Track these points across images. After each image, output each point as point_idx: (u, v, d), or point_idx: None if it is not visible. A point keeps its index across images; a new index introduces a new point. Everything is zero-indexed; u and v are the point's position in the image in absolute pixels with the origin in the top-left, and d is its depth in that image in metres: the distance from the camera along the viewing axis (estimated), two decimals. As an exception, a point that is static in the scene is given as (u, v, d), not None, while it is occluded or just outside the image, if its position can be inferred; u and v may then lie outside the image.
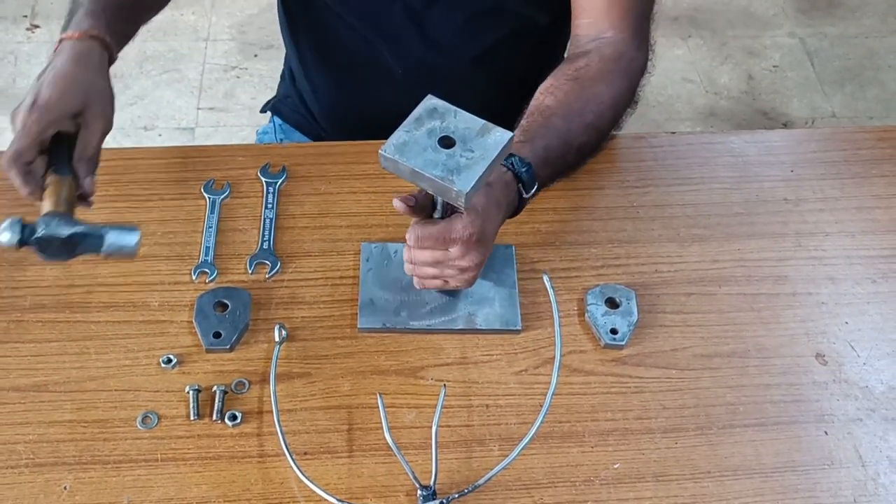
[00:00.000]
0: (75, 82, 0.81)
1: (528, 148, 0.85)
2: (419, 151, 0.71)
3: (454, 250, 0.78)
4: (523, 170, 0.84)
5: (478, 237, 0.78)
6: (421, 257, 0.80)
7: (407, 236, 0.78)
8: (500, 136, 0.73)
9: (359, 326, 0.85)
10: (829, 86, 2.38)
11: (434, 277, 0.83)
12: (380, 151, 0.72)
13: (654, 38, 1.02)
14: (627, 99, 0.96)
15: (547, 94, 0.92)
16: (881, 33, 2.55)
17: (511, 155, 0.83)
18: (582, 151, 0.92)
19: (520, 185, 0.83)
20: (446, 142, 0.72)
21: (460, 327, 0.85)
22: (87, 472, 0.74)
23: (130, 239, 0.74)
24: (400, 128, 0.73)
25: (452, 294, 0.87)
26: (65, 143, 0.80)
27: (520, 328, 0.85)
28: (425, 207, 0.79)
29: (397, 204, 0.77)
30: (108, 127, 0.83)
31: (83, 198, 0.81)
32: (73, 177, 0.79)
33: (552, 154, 0.87)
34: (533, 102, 0.92)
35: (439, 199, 0.77)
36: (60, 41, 0.84)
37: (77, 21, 0.85)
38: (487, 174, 0.72)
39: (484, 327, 0.85)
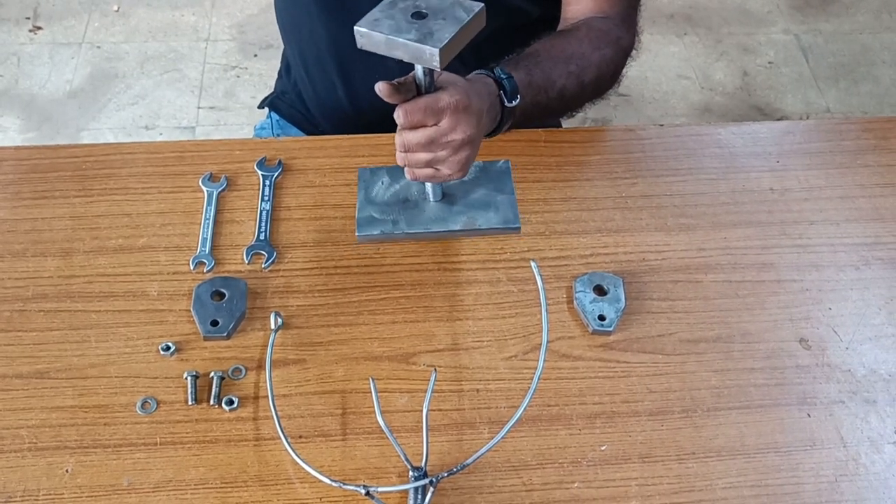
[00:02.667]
0: None
1: (511, 67, 0.89)
2: (393, 24, 0.75)
3: (444, 123, 0.80)
4: (504, 76, 0.87)
5: (465, 106, 0.79)
6: (413, 138, 0.81)
7: (395, 116, 0.80)
8: (471, 5, 0.76)
9: (357, 235, 0.90)
10: (823, 82, 2.40)
11: (427, 164, 0.83)
12: (355, 27, 0.76)
13: (641, 26, 1.04)
14: (611, 67, 0.98)
15: (534, 44, 0.96)
16: (875, 29, 2.57)
17: (493, 66, 0.87)
18: (563, 95, 0.95)
19: (501, 92, 0.86)
20: (419, 15, 0.76)
21: (459, 229, 0.89)
22: (89, 455, 0.76)
23: None
24: (374, 10, 0.77)
25: (450, 202, 0.91)
26: None
27: (519, 227, 0.90)
28: (409, 90, 0.80)
29: (381, 86, 0.78)
30: None
31: None
32: None
33: (535, 80, 0.91)
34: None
35: (422, 79, 0.79)
36: None
37: None
38: (462, 38, 0.75)
39: (484, 227, 0.89)
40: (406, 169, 0.86)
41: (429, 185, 0.93)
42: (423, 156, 0.83)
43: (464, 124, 0.80)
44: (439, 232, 0.91)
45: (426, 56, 0.73)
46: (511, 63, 0.91)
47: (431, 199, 0.94)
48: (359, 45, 0.77)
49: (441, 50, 0.73)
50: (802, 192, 1.00)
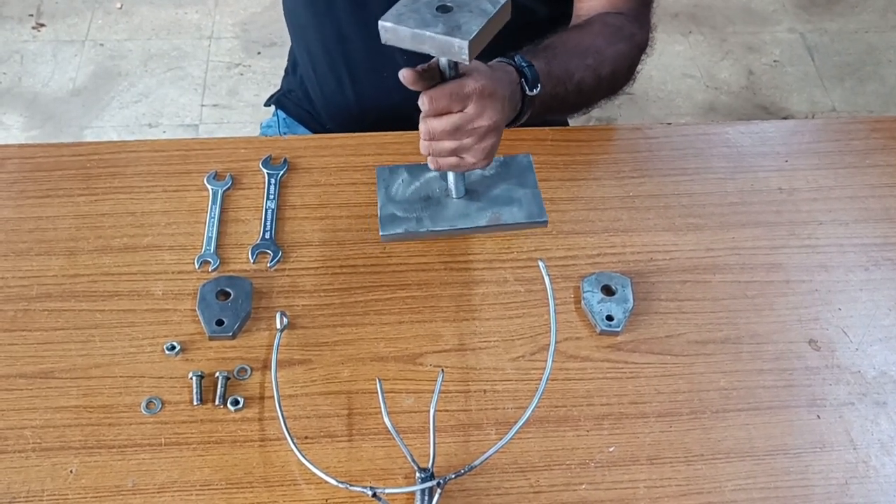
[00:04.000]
0: None
1: (531, 57, 0.89)
2: (418, 18, 0.74)
3: (470, 108, 0.79)
4: (525, 65, 0.86)
5: (490, 91, 0.79)
6: (438, 125, 0.80)
7: (420, 103, 0.79)
8: None
9: (381, 234, 0.89)
10: (828, 81, 2.39)
11: (452, 153, 0.82)
12: (380, 22, 0.75)
13: (654, 24, 1.03)
14: (626, 62, 0.98)
15: (549, 38, 0.96)
16: (881, 28, 2.56)
17: (513, 55, 0.86)
18: (581, 88, 0.94)
19: (522, 80, 0.85)
20: (444, 8, 0.75)
21: (484, 224, 0.89)
22: (93, 456, 0.76)
23: None
24: (397, 4, 0.76)
25: (473, 198, 0.91)
26: None
27: (546, 220, 0.90)
28: (434, 77, 0.79)
29: (405, 72, 0.77)
30: None
31: None
32: None
33: (554, 71, 0.90)
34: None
35: (446, 70, 0.79)
36: None
37: None
38: (488, 31, 0.74)
39: (510, 222, 0.89)
40: (430, 159, 0.85)
41: (451, 182, 0.92)
42: (449, 144, 0.82)
43: (490, 110, 0.80)
44: (465, 229, 0.90)
45: (454, 49, 0.73)
46: (529, 53, 0.91)
47: (454, 196, 0.93)
48: (383, 41, 0.76)
49: (470, 42, 0.72)
50: (811, 192, 0.99)
